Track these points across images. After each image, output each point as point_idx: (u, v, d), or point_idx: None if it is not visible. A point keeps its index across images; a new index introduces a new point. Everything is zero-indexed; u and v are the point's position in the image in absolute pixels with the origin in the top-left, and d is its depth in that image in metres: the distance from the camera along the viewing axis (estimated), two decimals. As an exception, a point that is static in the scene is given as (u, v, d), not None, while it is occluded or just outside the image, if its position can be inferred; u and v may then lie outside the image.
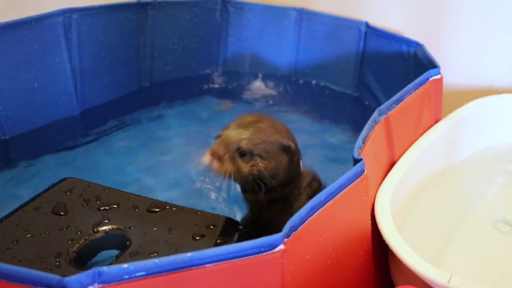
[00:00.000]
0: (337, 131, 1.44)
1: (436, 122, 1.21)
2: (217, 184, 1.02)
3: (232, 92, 1.62)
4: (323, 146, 1.38)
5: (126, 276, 0.69)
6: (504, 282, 0.96)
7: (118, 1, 1.53)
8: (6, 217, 0.99)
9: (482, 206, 1.15)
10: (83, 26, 1.44)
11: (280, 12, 1.60)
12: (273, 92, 1.60)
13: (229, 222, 1.00)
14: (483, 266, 1.01)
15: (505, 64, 1.34)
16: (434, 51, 1.30)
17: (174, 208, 1.02)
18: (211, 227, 0.98)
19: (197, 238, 0.95)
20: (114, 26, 1.51)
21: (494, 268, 1.00)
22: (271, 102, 1.57)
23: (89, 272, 0.67)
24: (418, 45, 1.34)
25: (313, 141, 1.38)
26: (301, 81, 1.61)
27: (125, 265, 0.69)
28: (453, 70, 1.32)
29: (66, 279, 0.66)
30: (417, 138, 1.14)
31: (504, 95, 1.28)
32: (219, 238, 0.95)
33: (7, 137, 1.35)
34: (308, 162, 1.27)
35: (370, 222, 0.92)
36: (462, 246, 1.04)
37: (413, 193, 1.09)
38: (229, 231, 0.98)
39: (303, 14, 1.58)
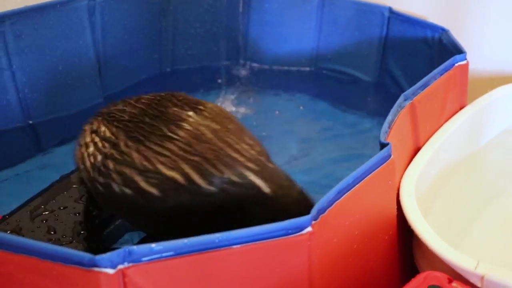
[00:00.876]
0: (358, 118, 1.43)
1: (461, 108, 1.20)
2: None
3: (255, 79, 1.61)
4: (343, 133, 1.38)
5: (155, 256, 0.69)
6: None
7: (141, -15, 1.53)
8: (32, 199, 1.00)
9: (507, 192, 1.14)
10: (107, 9, 1.45)
11: (303, -4, 1.59)
12: (295, 78, 1.59)
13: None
14: (505, 254, 1.00)
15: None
16: (459, 37, 1.29)
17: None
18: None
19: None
20: (137, 10, 1.51)
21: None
22: (293, 89, 1.56)
23: (120, 251, 0.68)
24: (443, 30, 1.33)
25: (333, 128, 1.38)
26: (322, 68, 1.60)
27: (154, 245, 0.69)
28: (479, 56, 1.31)
29: (97, 257, 0.67)
30: (442, 124, 1.13)
31: (530, 81, 1.27)
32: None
33: (34, 122, 1.36)
34: (334, 149, 1.27)
35: (395, 207, 0.92)
36: (487, 233, 1.04)
37: (438, 179, 1.09)
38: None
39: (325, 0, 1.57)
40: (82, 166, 0.90)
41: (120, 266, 0.68)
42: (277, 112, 1.48)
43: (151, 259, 0.69)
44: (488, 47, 1.35)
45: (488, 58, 1.35)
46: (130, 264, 0.68)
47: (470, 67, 1.22)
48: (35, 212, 0.97)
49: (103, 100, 1.47)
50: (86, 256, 0.67)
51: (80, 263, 0.67)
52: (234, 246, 0.72)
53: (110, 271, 0.67)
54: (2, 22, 1.28)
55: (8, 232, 0.91)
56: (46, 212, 0.97)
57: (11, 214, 0.96)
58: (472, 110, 1.19)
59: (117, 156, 0.83)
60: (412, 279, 0.76)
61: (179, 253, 0.70)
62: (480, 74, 1.34)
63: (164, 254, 0.69)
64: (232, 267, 0.73)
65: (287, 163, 1.25)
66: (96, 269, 0.67)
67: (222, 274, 0.72)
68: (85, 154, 0.89)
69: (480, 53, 1.32)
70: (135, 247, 0.68)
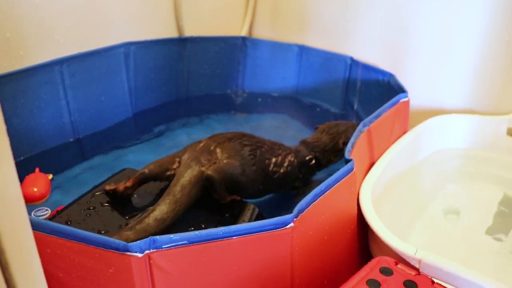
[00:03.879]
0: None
1: (404, 133, 1.20)
2: None
3: (248, 106, 1.61)
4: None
5: (173, 244, 0.69)
6: (454, 254, 0.96)
7: (164, 36, 1.52)
8: (80, 197, 0.99)
9: (436, 196, 1.14)
10: (138, 54, 1.44)
11: (286, 47, 1.59)
12: (279, 107, 1.59)
13: (248, 207, 0.98)
14: (438, 242, 1.00)
15: (452, 92, 1.34)
16: (402, 80, 1.30)
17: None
18: (236, 210, 0.96)
19: (223, 217, 0.95)
20: (161, 55, 1.51)
21: (446, 244, 1.00)
22: (277, 115, 1.56)
23: (146, 239, 0.67)
24: (391, 75, 1.34)
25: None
26: (301, 100, 1.60)
27: (173, 235, 0.69)
28: (416, 94, 1.31)
29: (130, 244, 0.66)
30: (391, 145, 1.14)
31: (453, 114, 1.28)
32: (241, 218, 0.95)
33: (81, 137, 1.35)
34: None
35: (356, 207, 0.92)
36: (424, 227, 1.04)
37: (388, 186, 1.09)
38: (248, 213, 0.97)
39: (303, 49, 1.57)
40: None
41: (147, 251, 0.67)
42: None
43: (170, 246, 0.68)
44: (423, 88, 1.36)
45: (423, 96, 1.36)
46: (154, 250, 0.67)
47: (411, 103, 1.22)
48: (81, 208, 0.95)
49: (133, 121, 1.46)
50: (121, 243, 0.66)
51: (116, 248, 0.66)
52: (234, 237, 0.71)
53: (139, 255, 0.66)
54: (61, 64, 1.27)
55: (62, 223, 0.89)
56: (90, 208, 0.95)
57: (64, 209, 0.95)
58: (412, 135, 1.19)
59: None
60: (368, 262, 0.75)
61: (191, 242, 0.69)
62: (417, 108, 1.35)
63: (180, 243, 0.69)
64: (232, 253, 0.72)
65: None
66: (128, 253, 0.66)
67: (224, 258, 0.72)
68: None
69: (417, 92, 1.33)
70: (158, 237, 0.68)
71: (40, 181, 1.10)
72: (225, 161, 0.96)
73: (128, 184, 0.96)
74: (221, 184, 0.93)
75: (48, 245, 0.69)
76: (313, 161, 1.12)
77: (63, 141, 1.31)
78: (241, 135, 1.03)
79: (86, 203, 0.97)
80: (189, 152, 0.98)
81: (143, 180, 0.98)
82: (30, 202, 1.06)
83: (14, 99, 1.20)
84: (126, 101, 1.45)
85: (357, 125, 1.03)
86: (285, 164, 1.05)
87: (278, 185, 1.06)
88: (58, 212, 0.94)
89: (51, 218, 0.92)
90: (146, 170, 0.97)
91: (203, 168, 0.94)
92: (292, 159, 1.07)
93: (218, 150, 0.98)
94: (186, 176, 0.93)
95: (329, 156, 1.16)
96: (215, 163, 0.96)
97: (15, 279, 0.51)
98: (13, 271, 0.51)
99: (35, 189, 1.07)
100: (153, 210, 0.88)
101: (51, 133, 1.29)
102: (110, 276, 0.68)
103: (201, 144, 1.00)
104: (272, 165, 1.03)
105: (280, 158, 1.05)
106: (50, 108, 1.27)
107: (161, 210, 0.88)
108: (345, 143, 1.16)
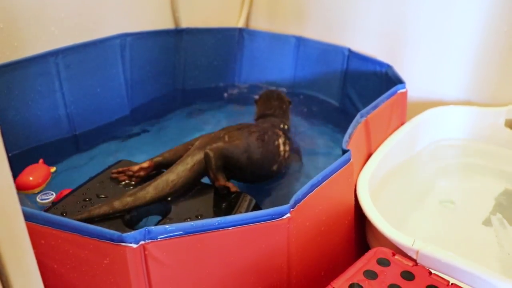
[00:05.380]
0: (325, 130, 1.42)
1: (402, 124, 1.20)
2: None
3: (244, 98, 1.60)
4: (314, 141, 1.36)
5: (168, 234, 0.68)
6: (451, 245, 0.95)
7: (161, 28, 1.51)
8: (76, 188, 0.98)
9: (434, 187, 1.14)
10: (134, 46, 1.43)
11: (283, 38, 1.58)
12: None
13: (245, 198, 0.98)
14: (435, 233, 1.00)
15: (451, 83, 1.33)
16: (400, 71, 1.29)
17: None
18: (232, 201, 0.96)
19: (220, 208, 0.94)
20: (157, 46, 1.49)
21: (443, 235, 0.99)
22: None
23: (141, 230, 0.66)
24: (388, 66, 1.33)
25: (306, 138, 1.36)
26: (298, 92, 1.59)
27: (168, 226, 0.68)
28: (414, 86, 1.31)
29: (124, 234, 0.65)
30: (388, 136, 1.13)
31: (450, 106, 1.27)
32: (238, 209, 0.94)
33: (77, 129, 1.34)
34: (303, 154, 1.26)
35: (353, 198, 0.91)
36: (421, 218, 1.04)
37: (385, 177, 1.08)
38: (244, 204, 0.96)
39: (300, 41, 1.56)
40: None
41: (142, 242, 0.66)
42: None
43: (166, 237, 0.67)
44: (421, 79, 1.35)
45: (421, 87, 1.35)
46: (149, 241, 0.66)
47: (409, 94, 1.21)
48: (77, 199, 0.95)
49: (129, 113, 1.45)
50: (115, 233, 0.66)
51: (111, 239, 0.66)
52: (230, 228, 0.70)
53: (134, 245, 0.66)
54: (56, 56, 1.26)
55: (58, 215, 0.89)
56: (86, 200, 0.94)
57: (59, 201, 0.94)
58: (409, 126, 1.19)
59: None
60: (365, 253, 0.75)
61: (187, 233, 0.68)
62: (415, 99, 1.34)
63: (175, 233, 0.68)
64: (228, 244, 0.71)
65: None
66: (123, 244, 0.65)
67: (220, 249, 0.71)
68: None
69: (415, 84, 1.32)
70: (153, 227, 0.67)
71: (38, 171, 1.11)
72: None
73: (144, 165, 1.01)
74: (216, 161, 0.96)
75: (43, 236, 0.69)
76: (286, 126, 1.21)
77: (59, 133, 1.30)
78: (248, 125, 1.11)
79: (82, 194, 0.96)
80: (201, 140, 1.03)
81: (158, 166, 1.02)
82: (24, 190, 1.07)
83: (9, 90, 1.19)
84: (122, 93, 1.44)
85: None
86: (286, 139, 1.13)
87: (286, 164, 1.13)
88: (53, 204, 0.93)
89: (46, 210, 0.92)
90: (161, 158, 1.03)
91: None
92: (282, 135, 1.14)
93: (226, 136, 1.03)
94: (193, 156, 0.98)
95: (287, 115, 1.28)
96: None
97: (7, 270, 0.51)
98: (5, 262, 0.50)
99: (31, 178, 1.08)
100: (155, 180, 0.94)
101: (47, 125, 1.27)
102: (105, 267, 0.67)
103: (213, 134, 1.06)
104: (281, 146, 1.10)
105: (281, 138, 1.12)
106: (46, 100, 1.26)
107: (162, 180, 0.94)
108: (287, 98, 1.33)
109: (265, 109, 1.28)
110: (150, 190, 0.93)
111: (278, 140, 1.10)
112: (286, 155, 1.11)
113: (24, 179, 1.08)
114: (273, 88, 1.53)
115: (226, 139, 1.02)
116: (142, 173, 1.01)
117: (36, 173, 1.10)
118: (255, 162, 1.02)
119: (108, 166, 1.06)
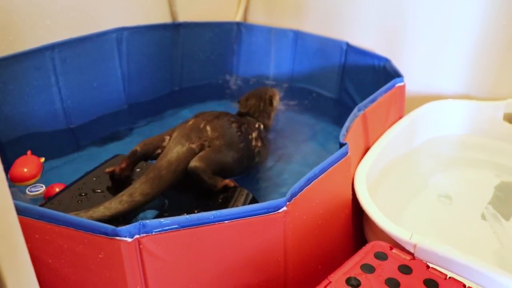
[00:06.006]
0: (323, 124, 1.41)
1: (399, 118, 1.19)
2: None
3: (242, 92, 1.59)
4: (312, 135, 1.35)
5: (164, 228, 0.67)
6: (449, 238, 0.95)
7: (158, 22, 1.50)
8: (71, 184, 0.98)
9: (432, 181, 1.13)
10: (131, 40, 1.42)
11: (281, 33, 1.57)
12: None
13: (242, 192, 0.97)
14: (433, 227, 1.00)
15: (449, 77, 1.32)
16: (398, 65, 1.28)
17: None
18: (229, 195, 0.95)
19: (217, 202, 0.93)
20: (154, 41, 1.48)
21: (441, 229, 0.99)
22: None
23: (136, 224, 0.66)
24: (386, 60, 1.32)
25: (304, 131, 1.36)
26: (296, 86, 1.58)
27: (163, 219, 0.67)
28: (412, 79, 1.30)
29: (119, 228, 0.65)
30: (386, 130, 1.12)
31: (449, 100, 1.27)
32: (235, 203, 0.93)
33: (73, 124, 1.33)
34: (300, 147, 1.26)
35: (351, 192, 0.91)
36: (418, 212, 1.03)
37: (383, 171, 1.08)
38: (241, 198, 0.96)
39: (298, 35, 1.55)
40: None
41: (136, 236, 0.66)
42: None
43: (161, 230, 0.67)
44: (419, 73, 1.35)
45: (420, 81, 1.34)
46: (144, 235, 0.66)
47: (406, 88, 1.21)
48: (73, 194, 0.94)
49: (126, 108, 1.44)
50: (110, 227, 0.65)
51: (105, 233, 0.65)
52: (225, 221, 0.70)
53: (129, 239, 0.65)
54: (52, 50, 1.25)
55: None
56: (82, 195, 0.94)
57: (55, 196, 0.94)
58: (407, 120, 1.18)
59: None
60: (363, 247, 0.74)
61: (182, 226, 0.68)
62: (413, 93, 1.33)
63: (170, 227, 0.67)
64: (224, 237, 0.71)
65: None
66: (118, 238, 0.65)
67: (216, 243, 0.70)
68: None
69: (413, 78, 1.32)
70: (148, 221, 0.66)
71: (30, 162, 1.10)
72: (215, 142, 0.99)
73: (123, 165, 0.97)
74: (207, 175, 0.94)
75: (37, 230, 0.68)
76: (262, 126, 1.20)
77: (56, 128, 1.29)
78: (226, 113, 1.09)
79: (78, 189, 0.95)
80: (178, 130, 1.00)
81: (135, 159, 0.99)
82: (20, 182, 1.07)
83: (4, 85, 1.18)
84: (119, 87, 1.43)
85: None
86: (258, 136, 1.13)
87: (255, 159, 1.12)
88: (49, 199, 0.93)
89: (42, 204, 0.91)
90: (138, 148, 0.99)
91: (192, 145, 0.97)
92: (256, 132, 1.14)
93: (208, 128, 1.00)
94: (175, 152, 0.95)
95: (266, 114, 1.25)
96: (206, 140, 0.98)
97: (0, 265, 0.50)
98: (-2, 257, 0.50)
99: (25, 170, 1.08)
100: (137, 184, 0.89)
101: (43, 120, 1.27)
102: (99, 262, 0.66)
103: (190, 122, 1.02)
104: (253, 141, 1.09)
105: (254, 133, 1.12)
106: (42, 94, 1.25)
107: (143, 187, 0.89)
108: (270, 96, 1.28)
109: (242, 108, 1.26)
110: (137, 197, 0.88)
111: (252, 134, 1.10)
112: (256, 150, 1.10)
113: (18, 171, 1.07)
114: (269, 83, 1.52)
115: (208, 131, 0.99)
116: (126, 173, 0.97)
117: (28, 164, 1.09)
118: (235, 159, 1.01)
119: (104, 160, 1.05)
